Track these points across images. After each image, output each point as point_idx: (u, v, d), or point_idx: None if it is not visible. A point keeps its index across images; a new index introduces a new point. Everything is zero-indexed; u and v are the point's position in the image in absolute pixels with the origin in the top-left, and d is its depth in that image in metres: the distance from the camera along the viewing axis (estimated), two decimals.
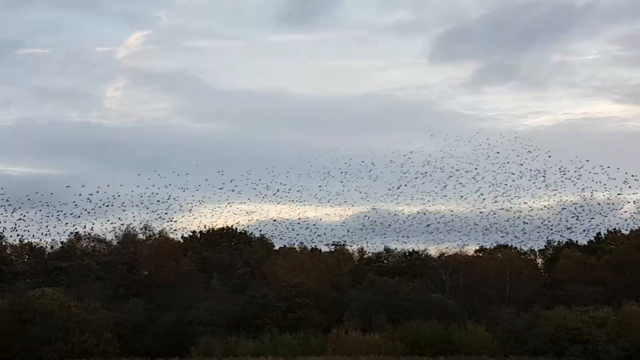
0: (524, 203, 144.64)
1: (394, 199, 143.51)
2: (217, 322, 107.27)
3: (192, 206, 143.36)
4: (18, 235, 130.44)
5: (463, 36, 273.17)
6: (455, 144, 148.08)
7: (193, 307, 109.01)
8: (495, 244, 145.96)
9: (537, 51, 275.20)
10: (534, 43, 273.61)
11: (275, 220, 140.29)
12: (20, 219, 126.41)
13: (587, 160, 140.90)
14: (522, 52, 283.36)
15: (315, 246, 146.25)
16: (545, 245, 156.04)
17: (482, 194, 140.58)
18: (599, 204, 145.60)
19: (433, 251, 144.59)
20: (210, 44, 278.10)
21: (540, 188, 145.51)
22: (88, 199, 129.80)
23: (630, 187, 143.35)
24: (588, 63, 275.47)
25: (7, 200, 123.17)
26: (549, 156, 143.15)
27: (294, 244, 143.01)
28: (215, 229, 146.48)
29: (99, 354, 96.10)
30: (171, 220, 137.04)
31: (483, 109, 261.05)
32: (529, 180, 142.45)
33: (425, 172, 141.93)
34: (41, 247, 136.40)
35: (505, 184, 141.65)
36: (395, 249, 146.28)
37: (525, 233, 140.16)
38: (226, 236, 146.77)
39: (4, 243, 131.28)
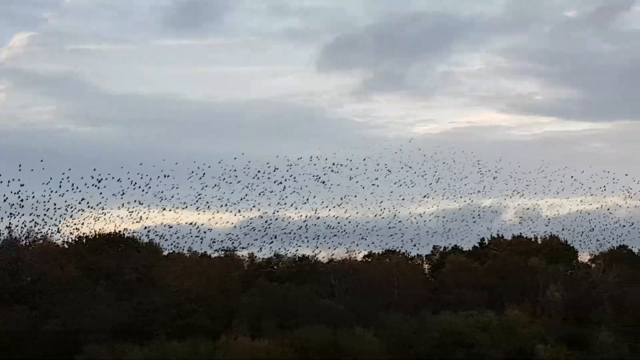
0: (411, 209, 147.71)
1: (283, 205, 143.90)
2: (104, 329, 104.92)
3: (77, 211, 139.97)
4: None
5: (351, 45, 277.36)
6: (344, 151, 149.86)
7: (78, 315, 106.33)
8: (383, 250, 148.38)
9: (423, 61, 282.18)
10: (420, 53, 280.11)
11: (164, 226, 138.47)
12: None
13: (473, 166, 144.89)
14: (409, 61, 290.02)
15: (205, 252, 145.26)
16: (431, 251, 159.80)
17: (369, 200, 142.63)
18: (483, 210, 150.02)
19: (323, 257, 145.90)
20: (98, 47, 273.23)
21: (426, 195, 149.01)
22: None
23: (512, 194, 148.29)
24: (473, 73, 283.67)
25: None
26: (436, 163, 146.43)
27: (183, 249, 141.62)
28: (101, 234, 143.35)
29: None
30: (55, 226, 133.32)
31: (372, 117, 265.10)
32: (415, 187, 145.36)
33: (317, 178, 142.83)
34: None
35: (392, 191, 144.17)
36: (286, 255, 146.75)
37: (411, 239, 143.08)
38: (113, 242, 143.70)
39: None
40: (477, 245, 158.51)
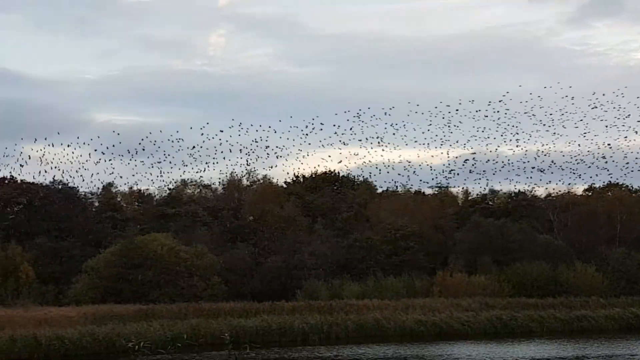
0: (634, 140, 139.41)
1: (494, 140, 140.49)
2: (321, 265, 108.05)
3: (295, 151, 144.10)
4: (127, 183, 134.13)
5: None
6: (561, 81, 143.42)
7: (297, 251, 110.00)
8: (604, 183, 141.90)
9: None
10: None
11: (377, 164, 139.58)
12: (128, 167, 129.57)
13: None
14: None
15: (419, 188, 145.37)
16: None
17: (589, 132, 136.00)
18: None
19: (540, 192, 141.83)
20: None
21: None
22: (193, 146, 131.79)
23: None
24: None
25: (115, 149, 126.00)
26: None
27: (397, 187, 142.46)
28: (318, 173, 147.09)
29: (207, 297, 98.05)
30: (274, 166, 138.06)
31: (590, 44, 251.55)
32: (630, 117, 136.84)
33: (530, 110, 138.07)
34: (150, 194, 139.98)
35: (614, 123, 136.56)
36: (501, 190, 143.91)
37: (636, 171, 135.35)
38: (329, 180, 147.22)
39: (114, 190, 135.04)
40: None
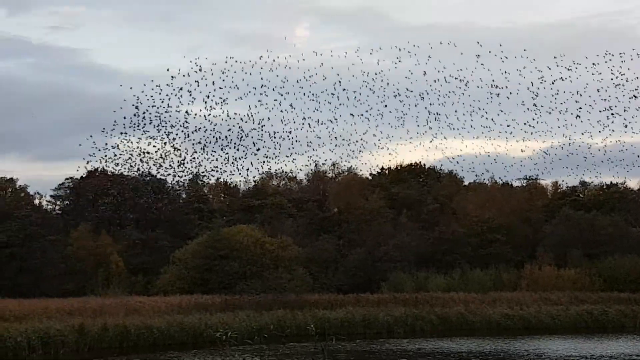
0: None
1: (584, 131, 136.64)
2: (407, 258, 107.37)
3: (380, 143, 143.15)
4: (214, 175, 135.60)
5: None
6: None
7: (382, 244, 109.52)
8: None
9: None
10: None
11: (463, 155, 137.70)
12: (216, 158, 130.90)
13: None
14: None
15: (507, 181, 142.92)
16: None
17: None
18: None
19: (633, 184, 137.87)
20: None
21: None
22: (282, 137, 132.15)
23: None
24: None
25: (203, 141, 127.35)
26: None
27: (484, 179, 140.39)
28: (403, 165, 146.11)
29: (293, 289, 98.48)
30: (358, 157, 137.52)
31: None
32: None
33: (620, 102, 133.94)
34: (236, 185, 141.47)
35: None
36: (591, 182, 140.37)
37: None
38: (414, 172, 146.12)
39: (200, 182, 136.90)
40: None
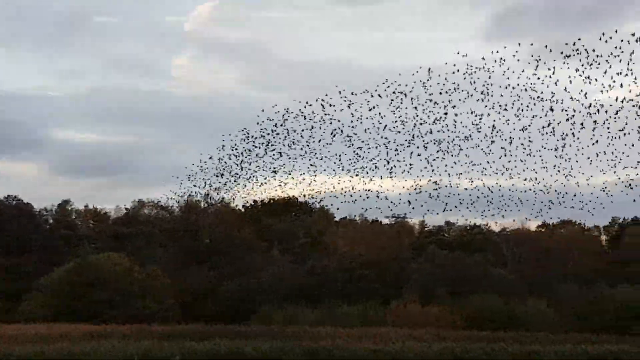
0: (587, 178, 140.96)
1: (453, 172, 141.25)
2: (278, 291, 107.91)
3: (254, 177, 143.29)
4: (84, 200, 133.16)
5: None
6: (520, 118, 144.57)
7: (254, 276, 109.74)
8: (558, 220, 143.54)
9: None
10: None
11: (334, 192, 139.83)
12: (87, 185, 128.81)
13: None
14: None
15: (376, 218, 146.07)
16: (609, 222, 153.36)
17: (544, 169, 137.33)
18: None
19: (495, 226, 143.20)
20: (279, 14, 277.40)
21: (601, 161, 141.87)
22: (152, 167, 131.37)
23: None
24: None
25: (73, 167, 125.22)
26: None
27: (354, 215, 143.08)
28: (276, 198, 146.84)
29: (161, 319, 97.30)
30: (232, 190, 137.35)
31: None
32: (592, 155, 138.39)
33: (490, 145, 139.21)
34: (106, 212, 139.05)
35: (569, 159, 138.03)
36: (456, 223, 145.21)
37: (582, 209, 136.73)
38: (287, 206, 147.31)
39: (69, 208, 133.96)
40: None
